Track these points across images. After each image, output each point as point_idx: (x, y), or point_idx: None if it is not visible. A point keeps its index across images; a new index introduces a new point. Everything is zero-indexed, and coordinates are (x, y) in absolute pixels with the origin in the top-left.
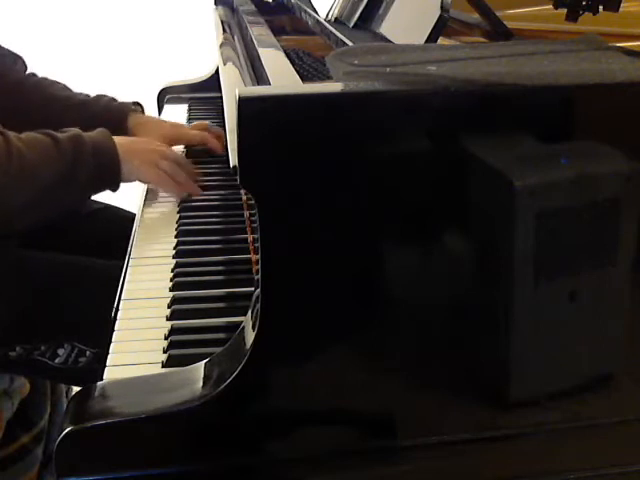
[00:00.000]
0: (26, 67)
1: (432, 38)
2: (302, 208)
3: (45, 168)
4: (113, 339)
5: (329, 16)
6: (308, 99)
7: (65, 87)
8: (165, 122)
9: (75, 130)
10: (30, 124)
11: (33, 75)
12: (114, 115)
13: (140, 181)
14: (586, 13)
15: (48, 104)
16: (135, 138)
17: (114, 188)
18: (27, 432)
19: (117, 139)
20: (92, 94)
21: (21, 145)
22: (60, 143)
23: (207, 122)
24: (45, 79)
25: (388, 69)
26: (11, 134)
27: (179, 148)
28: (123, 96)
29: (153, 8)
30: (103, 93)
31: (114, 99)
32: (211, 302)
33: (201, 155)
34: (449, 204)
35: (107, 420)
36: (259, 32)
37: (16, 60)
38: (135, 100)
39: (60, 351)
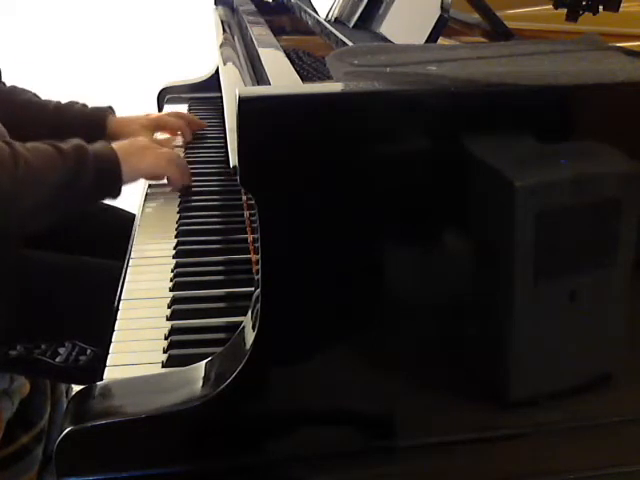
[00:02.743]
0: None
1: (432, 38)
2: (302, 208)
3: (50, 175)
4: (113, 339)
5: (329, 16)
6: (308, 99)
7: (35, 95)
8: (140, 115)
9: (77, 140)
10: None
11: (3, 84)
12: (91, 121)
13: (143, 176)
14: (586, 13)
15: (22, 112)
16: (130, 140)
17: (115, 194)
18: (27, 432)
19: (115, 145)
20: (63, 101)
21: (27, 154)
22: (63, 152)
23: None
24: (15, 87)
25: (388, 69)
26: (17, 144)
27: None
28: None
29: (153, 8)
30: (75, 100)
31: (85, 105)
32: (211, 302)
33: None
34: (449, 204)
35: (107, 420)
36: (259, 32)
37: None
38: (108, 105)
39: (61, 350)
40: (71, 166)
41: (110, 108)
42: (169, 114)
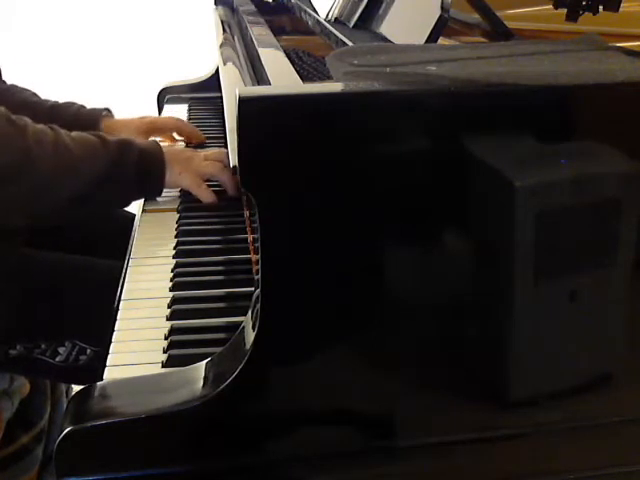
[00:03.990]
0: (0, 75)
1: (432, 38)
2: (302, 208)
3: (90, 165)
4: (113, 339)
5: (329, 16)
6: (308, 99)
7: (34, 94)
8: (133, 118)
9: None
10: None
11: (3, 82)
12: (85, 121)
13: (181, 186)
14: (586, 13)
15: (19, 110)
16: (183, 148)
17: (156, 191)
18: (27, 432)
19: (165, 148)
20: (61, 101)
21: (69, 140)
22: (107, 144)
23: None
24: (15, 86)
25: (388, 69)
26: (62, 130)
27: None
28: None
29: (153, 8)
30: (73, 101)
31: (83, 106)
32: (211, 302)
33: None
34: (449, 204)
35: (107, 420)
36: (259, 32)
37: None
38: (106, 106)
39: (61, 349)
40: (113, 159)
41: (107, 110)
42: (165, 117)
